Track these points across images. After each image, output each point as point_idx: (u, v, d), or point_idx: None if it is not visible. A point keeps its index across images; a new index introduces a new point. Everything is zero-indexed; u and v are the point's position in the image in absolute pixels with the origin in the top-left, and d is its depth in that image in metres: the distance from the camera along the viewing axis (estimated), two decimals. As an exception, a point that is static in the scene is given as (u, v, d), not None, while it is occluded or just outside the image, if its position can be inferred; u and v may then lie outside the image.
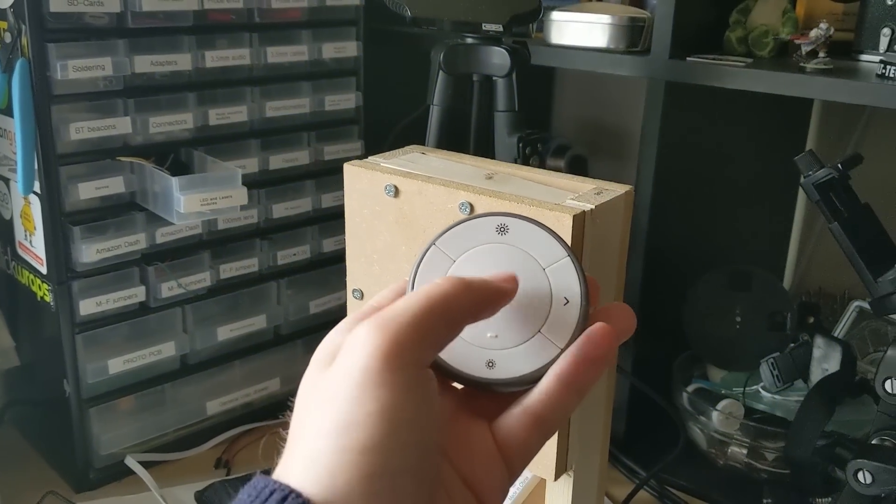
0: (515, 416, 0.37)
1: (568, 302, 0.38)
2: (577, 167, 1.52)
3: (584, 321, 0.38)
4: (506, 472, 0.37)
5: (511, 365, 0.38)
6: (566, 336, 0.38)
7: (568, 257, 0.39)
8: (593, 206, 0.59)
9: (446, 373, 0.38)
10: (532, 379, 0.38)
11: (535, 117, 1.63)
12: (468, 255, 0.40)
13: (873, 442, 0.77)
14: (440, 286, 0.35)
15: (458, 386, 0.40)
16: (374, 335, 0.33)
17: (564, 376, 0.37)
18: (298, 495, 0.30)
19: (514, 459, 0.37)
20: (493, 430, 0.37)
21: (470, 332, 0.38)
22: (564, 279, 0.39)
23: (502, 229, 0.40)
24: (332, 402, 0.32)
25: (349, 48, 1.16)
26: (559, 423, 0.38)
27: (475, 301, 0.36)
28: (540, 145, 0.90)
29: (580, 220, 0.58)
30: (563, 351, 0.37)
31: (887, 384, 0.73)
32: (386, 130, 1.28)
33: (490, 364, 0.38)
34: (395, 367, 0.32)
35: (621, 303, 0.40)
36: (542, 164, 0.95)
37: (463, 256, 0.40)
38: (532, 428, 0.37)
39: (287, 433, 0.34)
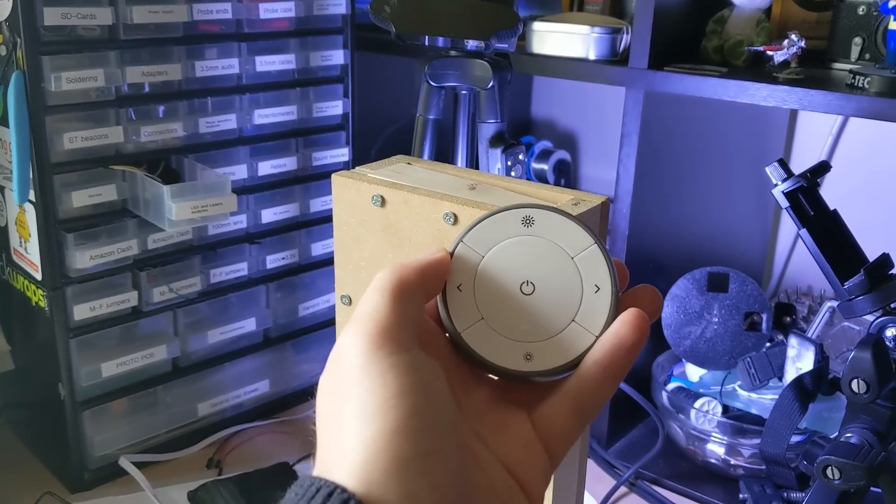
0: (554, 404, 0.38)
1: (599, 289, 0.39)
2: (562, 170, 1.56)
3: (616, 307, 0.39)
4: (546, 460, 0.38)
5: (548, 355, 0.39)
6: (600, 323, 0.38)
7: (595, 244, 0.39)
8: (570, 217, 0.62)
9: (486, 368, 0.39)
10: (570, 367, 0.38)
11: (519, 121, 1.66)
12: (496, 249, 0.40)
13: (842, 439, 0.80)
14: (387, 277, 0.37)
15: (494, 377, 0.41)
16: (359, 331, 0.35)
17: (602, 363, 0.37)
18: (343, 490, 0.31)
19: (555, 447, 0.38)
20: (532, 418, 0.38)
21: (505, 326, 0.39)
22: (593, 267, 0.39)
23: (528, 221, 0.40)
24: (349, 399, 0.34)
25: (336, 56, 1.18)
26: (597, 409, 0.38)
27: (421, 276, 0.38)
28: (522, 155, 0.92)
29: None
30: (598, 338, 0.38)
31: (853, 384, 0.76)
32: (376, 136, 1.30)
33: (528, 356, 0.39)
34: (388, 352, 0.34)
35: (648, 285, 0.41)
36: (527, 169, 0.97)
37: (492, 251, 0.40)
38: (571, 415, 0.38)
39: (314, 425, 0.36)
